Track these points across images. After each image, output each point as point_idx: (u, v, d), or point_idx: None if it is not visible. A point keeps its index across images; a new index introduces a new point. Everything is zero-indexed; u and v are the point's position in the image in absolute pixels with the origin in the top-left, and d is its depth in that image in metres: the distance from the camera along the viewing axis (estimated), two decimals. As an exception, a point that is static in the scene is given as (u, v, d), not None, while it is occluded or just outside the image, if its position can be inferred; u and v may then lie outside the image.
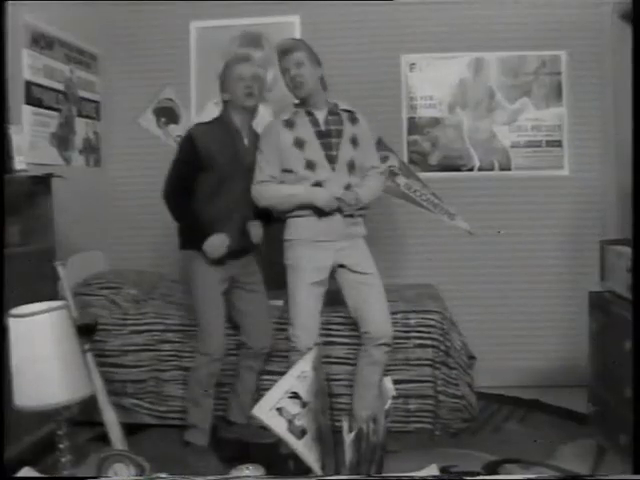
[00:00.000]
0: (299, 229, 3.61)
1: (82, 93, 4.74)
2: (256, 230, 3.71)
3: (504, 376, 4.79)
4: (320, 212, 3.56)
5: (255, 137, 3.75)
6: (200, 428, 3.68)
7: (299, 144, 3.56)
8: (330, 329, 3.94)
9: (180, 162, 3.64)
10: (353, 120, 3.70)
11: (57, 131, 4.37)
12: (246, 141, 3.70)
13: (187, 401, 3.77)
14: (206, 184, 3.59)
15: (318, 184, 3.55)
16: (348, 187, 3.60)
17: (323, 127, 3.61)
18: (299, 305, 3.60)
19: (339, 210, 3.57)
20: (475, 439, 3.91)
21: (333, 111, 3.67)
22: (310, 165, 3.56)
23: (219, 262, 3.60)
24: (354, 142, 3.65)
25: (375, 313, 3.63)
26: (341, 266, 3.64)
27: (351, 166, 3.62)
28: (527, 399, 4.52)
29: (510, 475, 3.26)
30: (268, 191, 3.61)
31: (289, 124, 3.60)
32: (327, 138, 3.59)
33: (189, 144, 3.61)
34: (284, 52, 3.60)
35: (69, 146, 4.55)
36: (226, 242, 3.55)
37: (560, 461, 3.49)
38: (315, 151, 3.56)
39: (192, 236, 3.59)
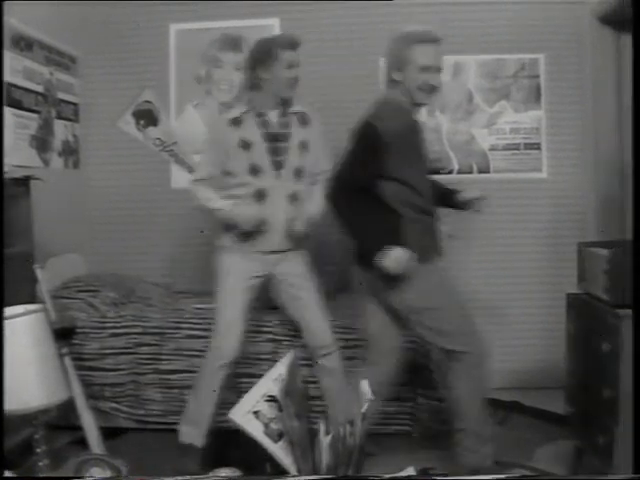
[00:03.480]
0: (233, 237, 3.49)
1: (61, 95, 4.72)
2: None
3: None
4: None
5: None
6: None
7: (245, 146, 3.42)
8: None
9: None
10: (304, 122, 3.54)
11: (36, 133, 4.35)
12: None
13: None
14: None
15: (260, 191, 3.42)
16: (293, 196, 3.47)
17: (272, 129, 3.45)
18: (222, 315, 3.49)
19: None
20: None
21: (283, 113, 3.49)
22: (253, 170, 3.41)
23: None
24: (304, 147, 3.50)
25: (313, 325, 3.57)
26: (276, 277, 3.54)
27: (298, 173, 3.48)
28: (507, 401, 4.52)
29: (491, 475, 3.27)
30: (202, 194, 3.49)
31: (235, 123, 3.44)
32: (274, 142, 3.43)
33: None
34: (292, 46, 3.39)
35: (48, 148, 4.53)
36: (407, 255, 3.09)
37: (538, 463, 3.51)
38: (261, 155, 3.41)
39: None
